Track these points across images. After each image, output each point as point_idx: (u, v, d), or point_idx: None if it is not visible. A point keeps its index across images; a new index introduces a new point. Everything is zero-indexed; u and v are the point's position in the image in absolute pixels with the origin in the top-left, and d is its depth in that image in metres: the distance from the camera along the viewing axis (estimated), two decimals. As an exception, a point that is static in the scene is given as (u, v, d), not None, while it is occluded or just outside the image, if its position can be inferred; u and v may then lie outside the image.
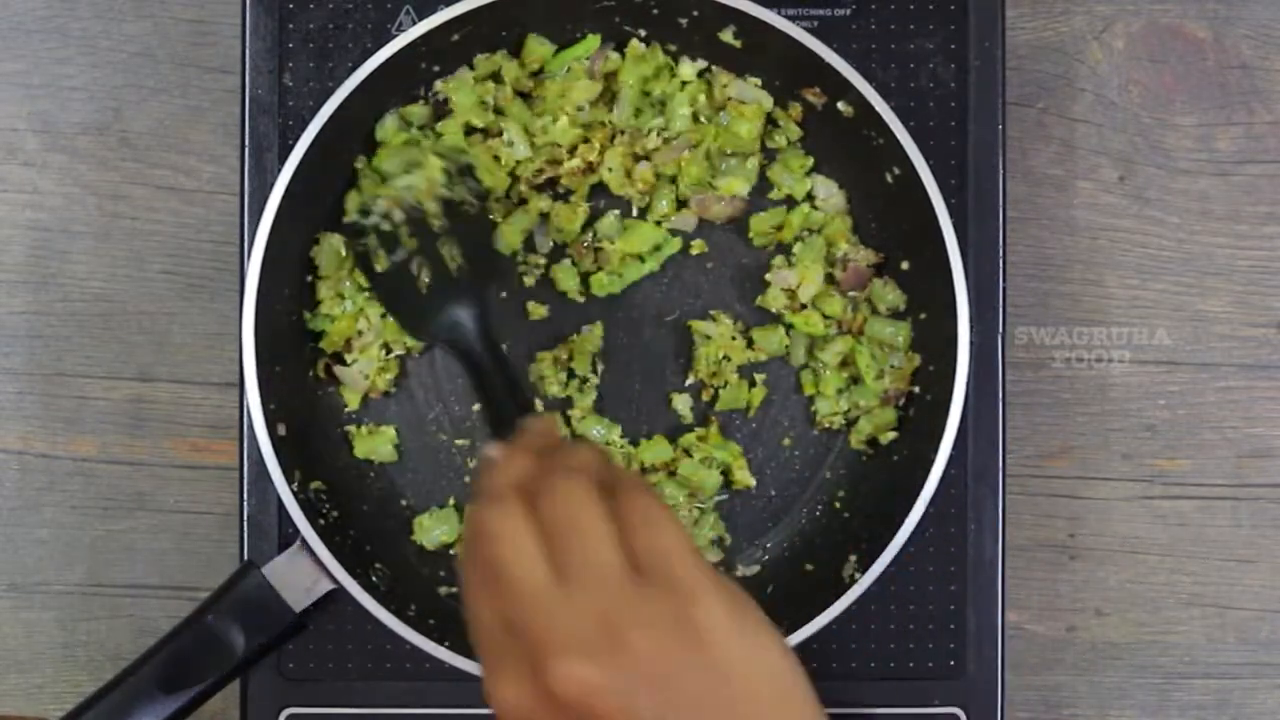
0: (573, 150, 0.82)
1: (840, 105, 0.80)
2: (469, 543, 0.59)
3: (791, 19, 0.79)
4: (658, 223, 0.83)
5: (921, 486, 0.78)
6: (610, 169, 0.82)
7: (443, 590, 0.82)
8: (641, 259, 0.83)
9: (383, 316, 0.82)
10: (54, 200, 0.87)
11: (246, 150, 0.81)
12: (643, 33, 0.82)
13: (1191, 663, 0.87)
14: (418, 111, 0.82)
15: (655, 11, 0.81)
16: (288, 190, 0.77)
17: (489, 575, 0.57)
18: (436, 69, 0.81)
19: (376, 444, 0.83)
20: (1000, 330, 0.81)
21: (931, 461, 0.78)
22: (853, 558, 0.79)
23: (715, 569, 0.59)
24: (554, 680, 0.55)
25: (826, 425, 0.83)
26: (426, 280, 0.77)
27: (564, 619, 0.56)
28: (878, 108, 0.78)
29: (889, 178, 0.80)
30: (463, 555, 0.60)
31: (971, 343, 0.78)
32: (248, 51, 0.82)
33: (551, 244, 0.83)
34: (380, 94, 0.80)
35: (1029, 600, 0.87)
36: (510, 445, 0.63)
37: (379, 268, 0.77)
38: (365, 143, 0.82)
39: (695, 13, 0.80)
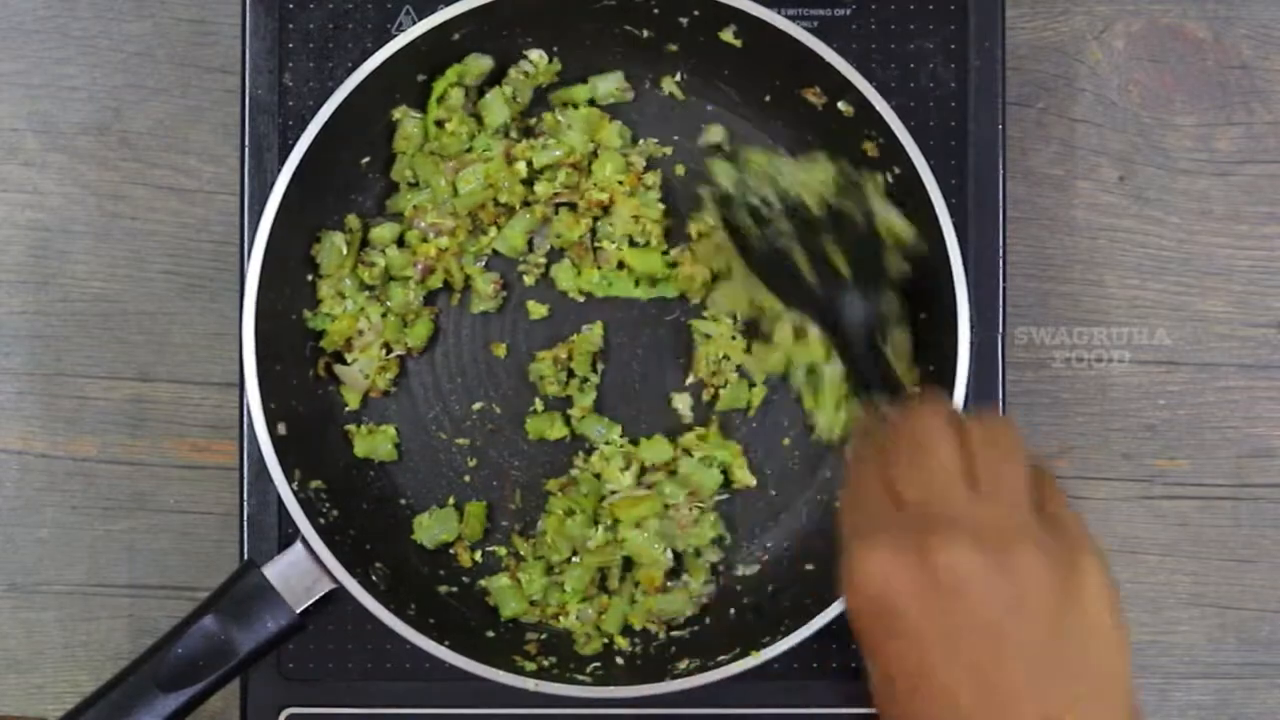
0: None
1: (840, 105, 0.80)
2: (898, 423, 0.65)
3: (792, 19, 0.79)
4: (664, 252, 0.83)
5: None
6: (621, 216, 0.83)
7: (442, 589, 0.82)
8: (637, 283, 0.83)
9: (383, 315, 0.82)
10: (54, 200, 0.87)
11: (246, 150, 0.81)
12: (646, 33, 0.82)
13: (1191, 663, 0.87)
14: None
15: (655, 11, 0.81)
16: (288, 190, 0.77)
17: (914, 455, 0.62)
18: (435, 67, 0.81)
19: (376, 443, 0.83)
20: (1000, 330, 0.81)
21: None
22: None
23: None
24: (939, 553, 0.58)
25: (825, 439, 0.83)
26: (808, 267, 0.76)
27: (971, 511, 0.60)
28: (878, 108, 0.78)
29: (889, 178, 0.80)
30: (865, 433, 0.68)
31: (971, 343, 0.78)
32: (248, 51, 0.82)
33: (549, 246, 0.84)
34: (380, 93, 0.80)
35: (1029, 600, 0.87)
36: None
37: (751, 240, 0.77)
38: (368, 140, 0.82)
39: (695, 12, 0.80)
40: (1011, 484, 0.61)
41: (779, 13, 0.79)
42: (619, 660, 0.81)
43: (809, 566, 0.82)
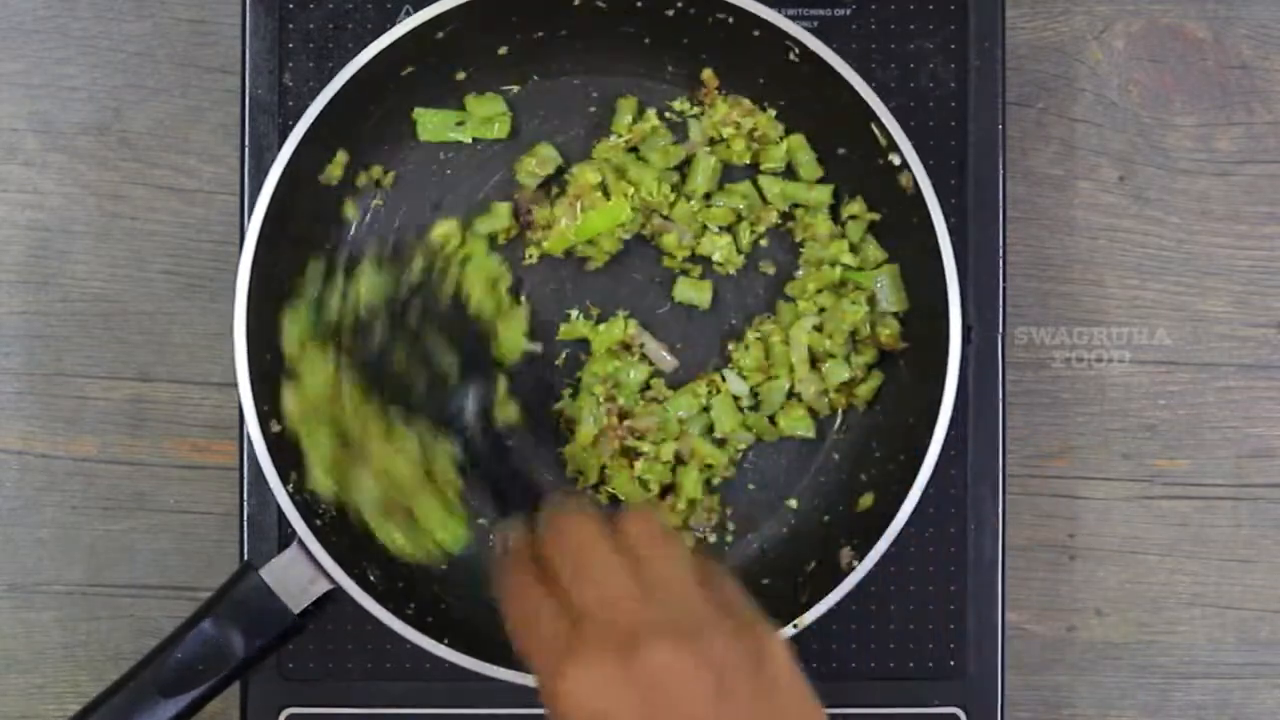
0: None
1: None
2: (547, 539, 0.65)
3: (792, 19, 0.79)
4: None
5: (914, 480, 0.77)
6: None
7: (438, 588, 0.82)
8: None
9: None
10: (54, 200, 0.87)
11: (246, 150, 0.81)
12: (641, 33, 0.82)
13: (1191, 663, 0.87)
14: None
15: (640, 6, 0.81)
16: (278, 188, 0.78)
17: (578, 566, 0.62)
18: (433, 66, 0.81)
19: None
20: (1000, 330, 0.81)
21: (922, 458, 0.77)
22: (848, 550, 0.79)
23: None
24: (646, 659, 0.58)
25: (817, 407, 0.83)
26: (414, 370, 0.72)
27: (653, 612, 0.60)
28: (877, 108, 0.78)
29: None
30: (519, 557, 0.66)
31: (964, 341, 0.78)
32: (248, 51, 0.82)
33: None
34: (374, 91, 0.80)
35: (1029, 600, 0.87)
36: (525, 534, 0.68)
37: (356, 355, 0.73)
38: (355, 143, 0.82)
39: (692, 11, 0.80)
40: (680, 577, 0.62)
41: (779, 13, 0.79)
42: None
43: (809, 564, 0.82)
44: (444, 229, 0.82)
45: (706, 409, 0.83)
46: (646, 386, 0.84)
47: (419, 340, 0.73)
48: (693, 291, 0.84)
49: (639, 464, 0.82)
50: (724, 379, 0.83)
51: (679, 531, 0.65)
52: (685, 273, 0.84)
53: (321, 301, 0.73)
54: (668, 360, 0.84)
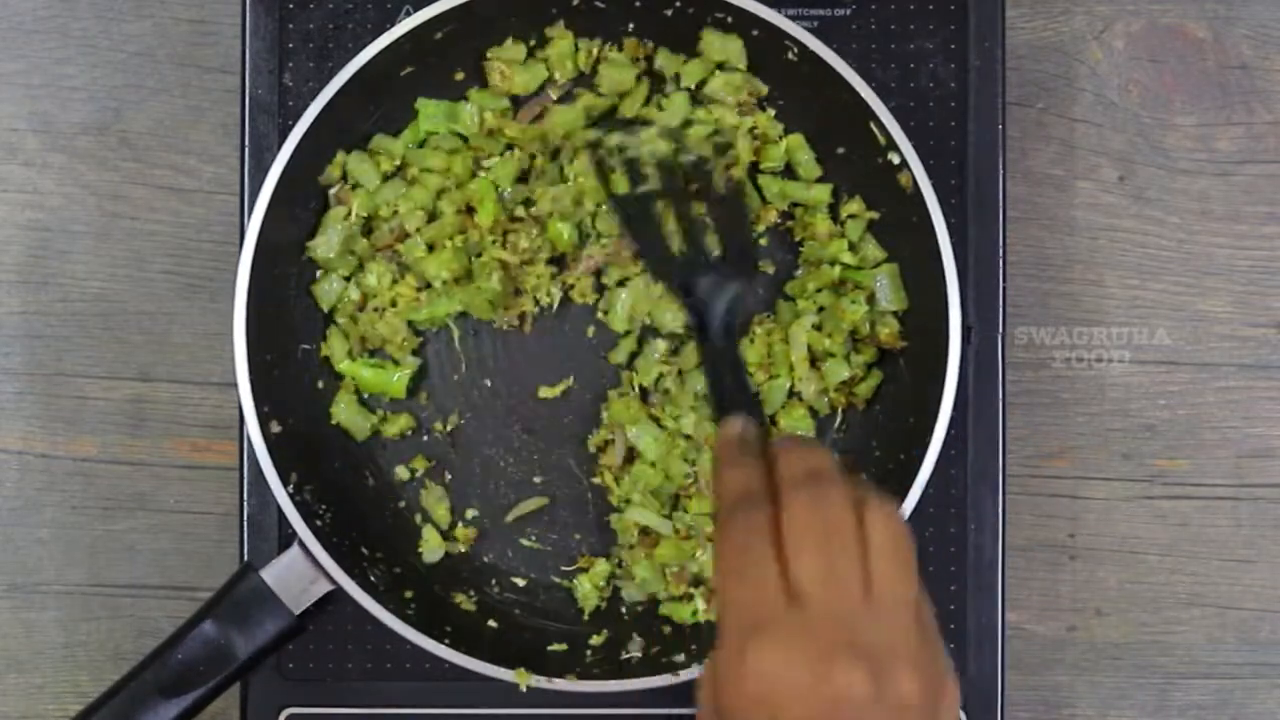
0: None
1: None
2: (782, 457, 0.60)
3: (792, 19, 0.79)
4: None
5: (914, 480, 0.77)
6: None
7: (438, 588, 0.83)
8: None
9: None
10: (54, 200, 0.87)
11: (246, 150, 0.81)
12: (640, 33, 0.82)
13: (1191, 663, 0.87)
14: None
15: (639, 5, 0.81)
16: (277, 189, 0.78)
17: (821, 544, 0.58)
18: (430, 65, 0.81)
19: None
20: (1000, 330, 0.81)
21: (922, 458, 0.77)
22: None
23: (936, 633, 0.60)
24: (841, 675, 0.56)
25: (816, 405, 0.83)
26: (674, 229, 0.74)
27: (863, 626, 0.57)
28: (877, 108, 0.78)
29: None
30: (746, 448, 0.62)
31: (964, 341, 0.78)
32: (248, 51, 0.82)
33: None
34: (372, 91, 0.80)
35: (1029, 600, 0.87)
36: (747, 434, 0.63)
37: (617, 188, 0.76)
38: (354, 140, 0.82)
39: (691, 11, 0.80)
40: (902, 595, 0.58)
41: (779, 13, 0.79)
42: (623, 655, 0.81)
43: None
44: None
45: None
46: (675, 351, 0.84)
47: (684, 204, 0.74)
48: None
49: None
50: None
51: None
52: None
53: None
54: None
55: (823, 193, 0.83)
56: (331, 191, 0.82)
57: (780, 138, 0.84)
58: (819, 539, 0.58)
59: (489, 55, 0.83)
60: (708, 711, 0.59)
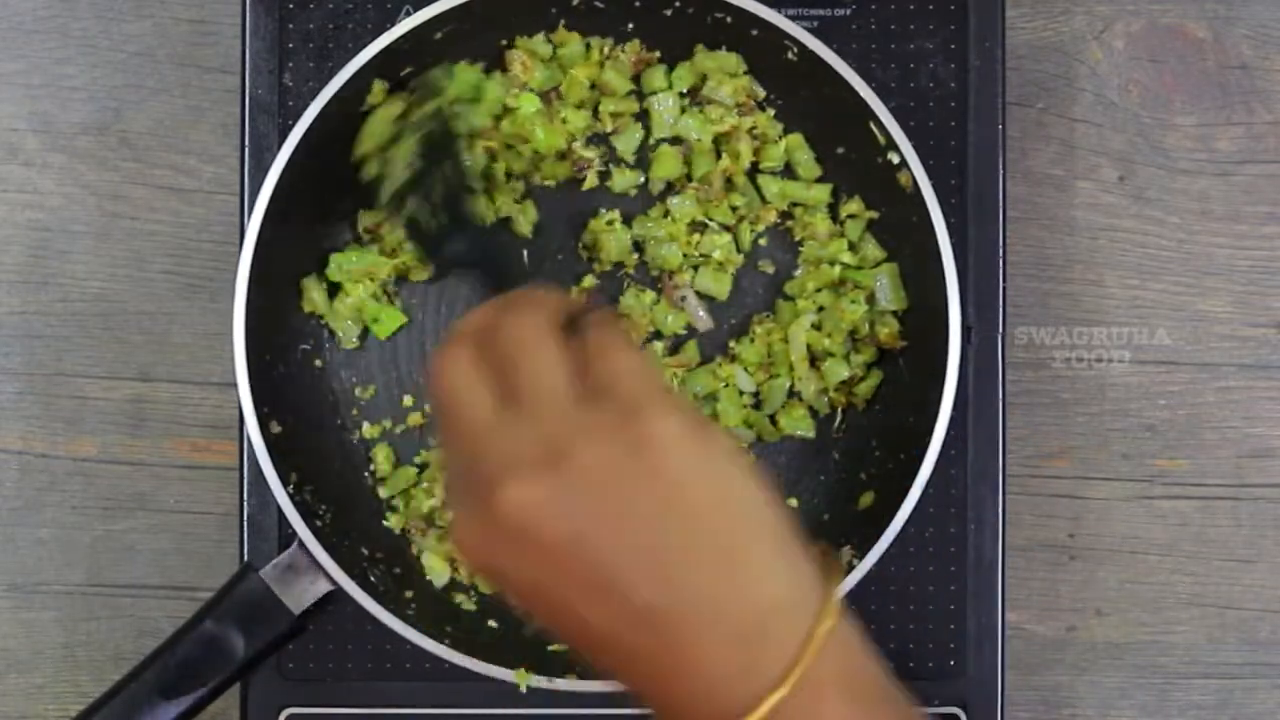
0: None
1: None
2: (430, 393, 0.59)
3: (792, 19, 0.79)
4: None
5: (913, 479, 0.77)
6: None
7: (438, 586, 0.83)
8: None
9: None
10: (54, 200, 0.87)
11: (246, 150, 0.81)
12: (630, 26, 0.82)
13: (1191, 663, 0.87)
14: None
15: (638, 5, 0.81)
16: (277, 189, 0.77)
17: (445, 419, 0.56)
18: (432, 65, 0.81)
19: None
20: (1000, 330, 0.81)
21: (922, 457, 0.77)
22: (848, 549, 0.79)
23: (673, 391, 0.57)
24: (498, 505, 0.53)
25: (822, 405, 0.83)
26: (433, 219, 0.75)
27: (508, 444, 0.54)
28: (877, 108, 0.78)
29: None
30: (462, 335, 0.59)
31: (964, 341, 0.78)
32: (248, 51, 0.82)
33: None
34: (369, 92, 0.80)
35: (1029, 600, 0.87)
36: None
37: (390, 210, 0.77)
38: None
39: (690, 10, 0.80)
40: (542, 384, 0.55)
41: (780, 13, 0.79)
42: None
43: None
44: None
45: (714, 398, 0.83)
46: (674, 351, 0.84)
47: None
48: (711, 282, 0.84)
49: None
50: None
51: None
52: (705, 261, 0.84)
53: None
54: (703, 319, 0.84)
55: (822, 193, 0.83)
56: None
57: (780, 138, 0.84)
58: (516, 346, 0.56)
59: (517, 44, 0.83)
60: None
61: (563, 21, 0.82)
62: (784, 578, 0.55)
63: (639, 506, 0.54)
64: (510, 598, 0.57)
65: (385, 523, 0.82)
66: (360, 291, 0.82)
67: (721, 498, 0.55)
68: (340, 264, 0.81)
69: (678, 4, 0.80)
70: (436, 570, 0.82)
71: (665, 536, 0.54)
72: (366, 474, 0.83)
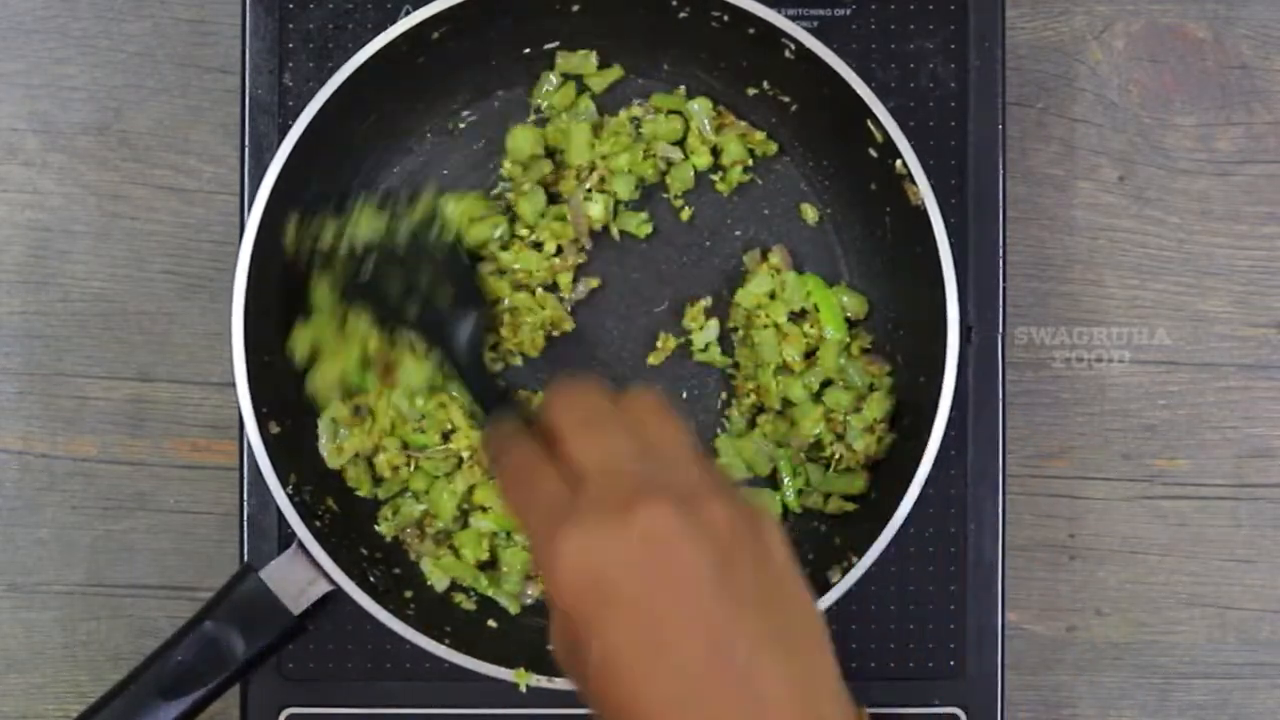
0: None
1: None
2: (550, 405, 0.63)
3: (792, 19, 0.79)
4: None
5: (913, 480, 0.77)
6: None
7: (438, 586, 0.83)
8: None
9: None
10: (54, 200, 0.87)
11: (246, 150, 0.81)
12: (638, 32, 0.82)
13: (1191, 663, 0.87)
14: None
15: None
16: (275, 189, 0.78)
17: (585, 426, 0.60)
18: (426, 65, 0.81)
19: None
20: (1000, 330, 0.81)
21: (922, 456, 0.77)
22: (848, 549, 0.79)
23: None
24: (644, 518, 0.56)
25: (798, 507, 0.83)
26: (408, 299, 0.78)
27: (655, 474, 0.58)
28: (876, 109, 0.78)
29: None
30: (516, 430, 0.64)
31: (964, 341, 0.78)
32: (248, 51, 0.82)
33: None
34: (367, 93, 0.80)
35: (1029, 600, 0.87)
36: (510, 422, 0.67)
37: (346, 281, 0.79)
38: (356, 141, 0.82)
39: (689, 11, 0.80)
40: (681, 445, 0.60)
41: (779, 13, 0.79)
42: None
43: (810, 556, 0.82)
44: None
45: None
46: None
47: (412, 272, 0.78)
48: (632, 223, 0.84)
49: None
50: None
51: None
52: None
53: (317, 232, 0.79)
54: None
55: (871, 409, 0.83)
56: None
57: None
58: (580, 423, 0.60)
59: (558, 57, 0.83)
60: (559, 646, 0.60)
61: (562, 23, 0.82)
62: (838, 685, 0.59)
63: (759, 578, 0.57)
64: (577, 605, 0.57)
65: (377, 528, 0.82)
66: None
67: (805, 596, 0.60)
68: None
69: (675, 3, 0.80)
70: (435, 577, 0.82)
71: (776, 607, 0.58)
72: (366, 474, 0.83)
